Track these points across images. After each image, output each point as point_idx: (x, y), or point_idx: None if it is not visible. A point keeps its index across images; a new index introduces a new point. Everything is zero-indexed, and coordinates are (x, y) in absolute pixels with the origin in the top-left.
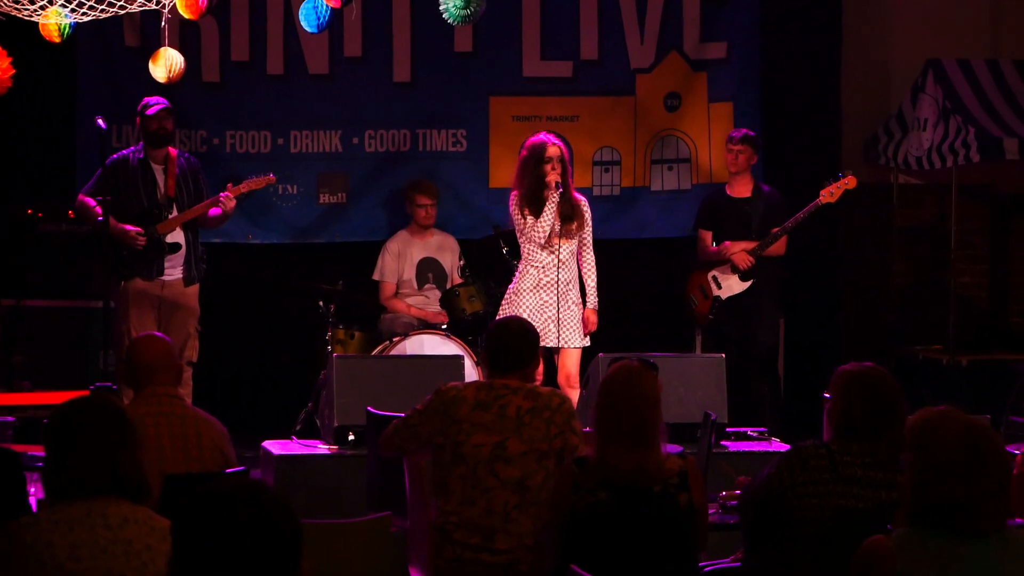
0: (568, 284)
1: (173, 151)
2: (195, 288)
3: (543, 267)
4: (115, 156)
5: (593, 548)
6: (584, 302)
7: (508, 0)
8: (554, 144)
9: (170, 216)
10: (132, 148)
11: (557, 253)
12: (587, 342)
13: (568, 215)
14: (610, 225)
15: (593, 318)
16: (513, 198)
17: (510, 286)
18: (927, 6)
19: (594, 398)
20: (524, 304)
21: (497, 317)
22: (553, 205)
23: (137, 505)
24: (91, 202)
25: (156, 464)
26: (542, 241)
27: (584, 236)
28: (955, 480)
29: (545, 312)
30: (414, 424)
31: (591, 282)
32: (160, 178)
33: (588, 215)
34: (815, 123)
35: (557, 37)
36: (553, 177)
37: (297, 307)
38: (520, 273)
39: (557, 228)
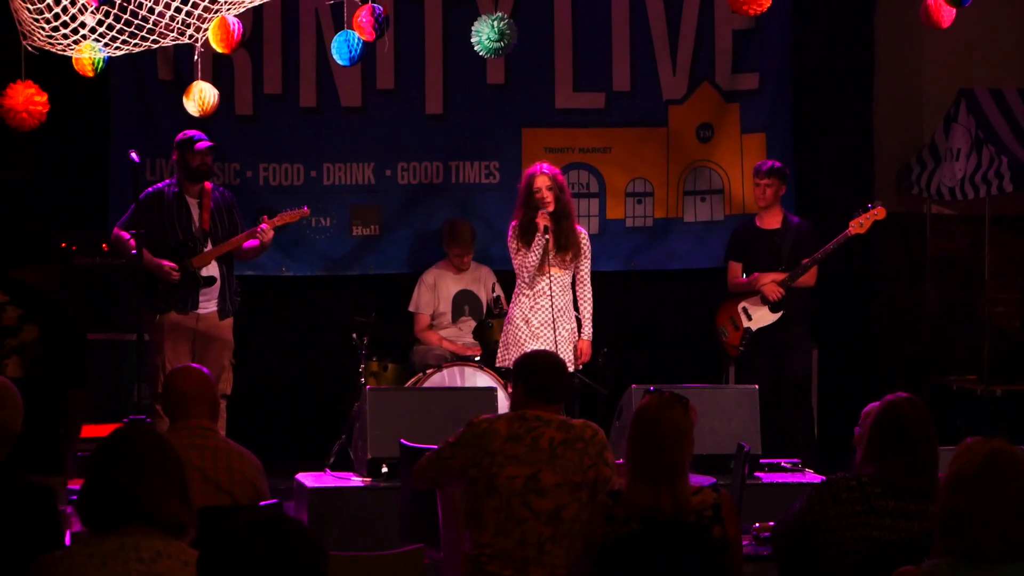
0: (561, 312)
1: (208, 185)
2: (229, 321)
3: (534, 295)
4: (150, 190)
5: None
6: (579, 333)
7: (540, 32)
8: (543, 173)
9: (205, 250)
10: (167, 181)
11: (550, 283)
12: (576, 367)
13: (564, 245)
14: (643, 256)
15: (587, 349)
16: (511, 229)
17: (507, 315)
18: (959, 36)
19: (627, 430)
20: (518, 334)
21: (500, 345)
22: (541, 244)
23: (170, 539)
24: (125, 235)
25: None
26: (526, 278)
27: (581, 267)
28: (968, 495)
29: (539, 340)
30: (447, 457)
31: (586, 313)
32: (195, 212)
33: (587, 248)
34: (848, 153)
35: (589, 69)
36: (543, 221)
37: (330, 339)
38: (513, 303)
39: (551, 257)
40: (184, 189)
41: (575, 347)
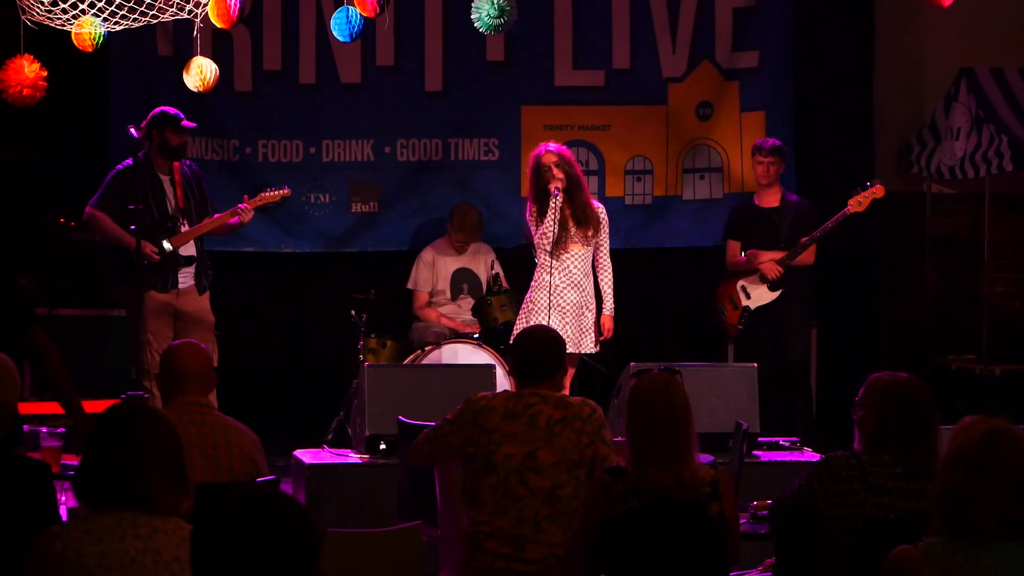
0: (583, 290)
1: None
2: (207, 295)
3: (556, 273)
4: (119, 167)
5: (624, 558)
6: (600, 308)
7: (540, 9)
8: (549, 151)
9: (182, 228)
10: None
11: (570, 259)
12: (597, 348)
13: (581, 220)
14: (642, 234)
15: (609, 324)
16: (527, 211)
17: (527, 295)
18: (960, 15)
19: (625, 409)
20: (541, 312)
21: (516, 326)
22: (554, 211)
23: (167, 515)
24: (99, 215)
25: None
26: (547, 247)
27: (600, 242)
28: (966, 475)
29: (564, 318)
30: (444, 434)
31: (607, 288)
32: (168, 189)
33: (604, 222)
34: (848, 132)
35: (589, 46)
36: (553, 185)
37: (329, 316)
38: (535, 282)
39: (572, 233)
40: (156, 167)
41: (598, 323)
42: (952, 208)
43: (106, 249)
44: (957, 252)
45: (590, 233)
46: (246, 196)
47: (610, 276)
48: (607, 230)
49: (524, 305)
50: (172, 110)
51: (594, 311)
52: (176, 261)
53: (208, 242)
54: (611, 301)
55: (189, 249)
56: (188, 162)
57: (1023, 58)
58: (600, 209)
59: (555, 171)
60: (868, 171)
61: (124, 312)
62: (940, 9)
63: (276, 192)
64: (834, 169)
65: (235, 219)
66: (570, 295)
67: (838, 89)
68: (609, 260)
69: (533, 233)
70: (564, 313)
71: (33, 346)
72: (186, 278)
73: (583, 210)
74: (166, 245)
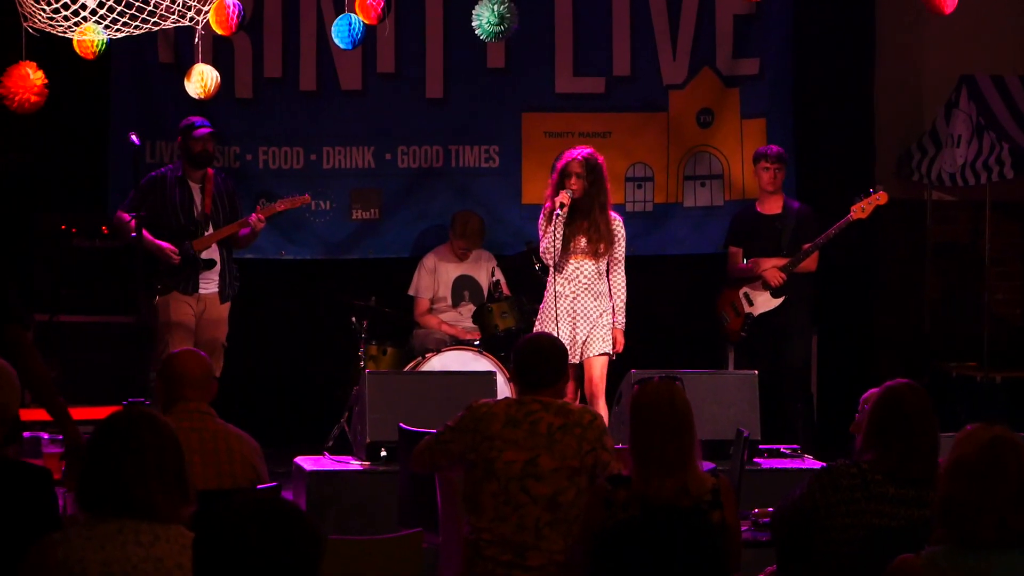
0: (595, 298)
1: (210, 170)
2: (228, 305)
3: (567, 281)
4: (152, 174)
5: (625, 566)
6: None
7: (541, 16)
8: (575, 159)
9: (206, 233)
10: (169, 166)
11: (578, 270)
12: (613, 351)
13: (594, 237)
14: (643, 241)
15: (620, 338)
16: (542, 213)
17: (542, 304)
18: (961, 22)
19: (626, 415)
20: (549, 322)
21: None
22: (559, 223)
23: (169, 522)
24: (126, 217)
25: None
26: (549, 260)
27: (615, 256)
28: (968, 483)
29: (575, 327)
30: (446, 440)
31: (620, 303)
32: (197, 197)
33: (621, 235)
34: (848, 139)
35: (590, 53)
36: (558, 198)
37: (330, 323)
38: (547, 290)
39: (583, 246)
40: (187, 174)
41: (611, 335)
42: (953, 215)
43: (118, 254)
44: (958, 259)
45: (600, 248)
46: (258, 207)
47: (623, 290)
48: (623, 244)
49: (539, 314)
50: (195, 119)
51: (608, 314)
52: (196, 264)
53: None
54: (622, 315)
55: (211, 254)
56: (223, 174)
57: (1023, 66)
58: (616, 222)
59: (572, 180)
60: (868, 178)
61: (125, 318)
62: (941, 16)
63: (296, 198)
64: (834, 176)
65: (246, 229)
66: (578, 304)
67: (839, 96)
68: (623, 274)
69: (541, 238)
70: (573, 324)
71: (12, 345)
72: (209, 284)
73: (596, 225)
74: (188, 247)
